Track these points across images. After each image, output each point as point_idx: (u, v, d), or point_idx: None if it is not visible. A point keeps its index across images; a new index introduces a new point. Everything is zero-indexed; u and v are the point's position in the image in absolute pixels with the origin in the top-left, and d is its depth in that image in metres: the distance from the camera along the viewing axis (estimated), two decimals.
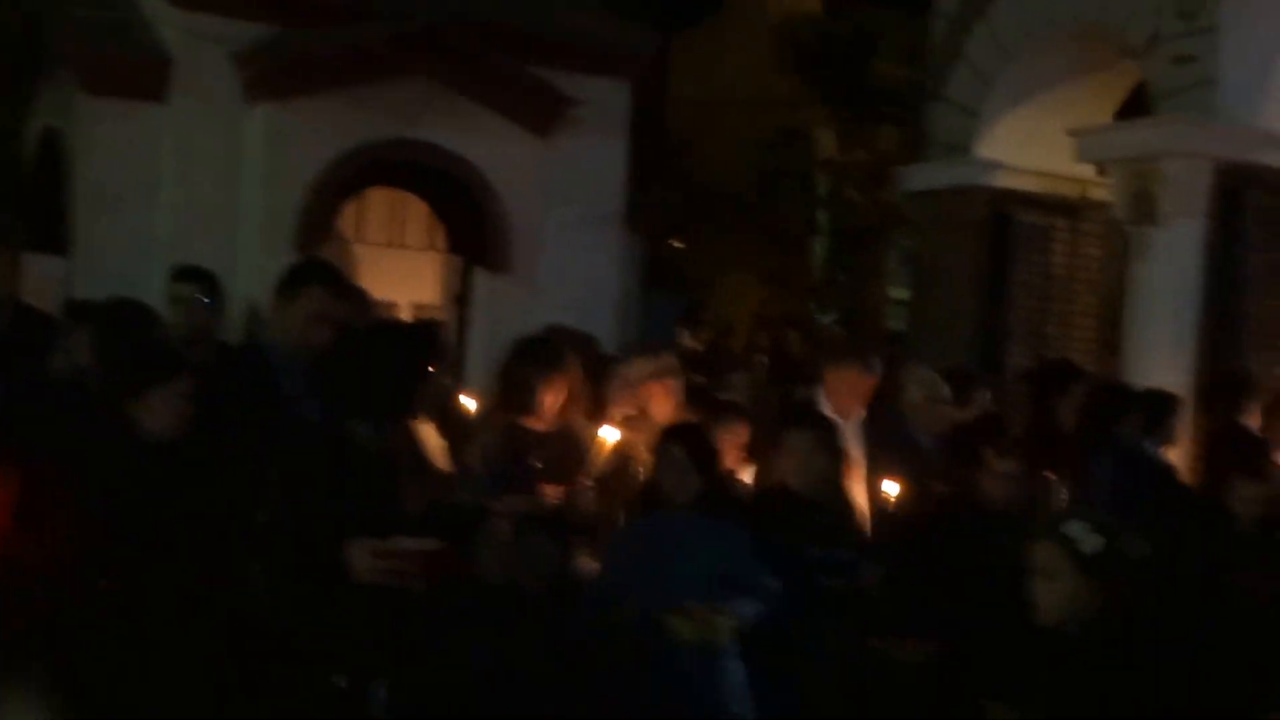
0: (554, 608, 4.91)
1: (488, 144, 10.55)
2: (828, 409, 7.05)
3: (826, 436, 5.94)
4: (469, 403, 7.01)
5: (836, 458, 6.11)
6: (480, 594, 4.72)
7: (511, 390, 6.33)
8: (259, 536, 4.22)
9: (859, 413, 7.14)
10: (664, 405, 6.75)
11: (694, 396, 7.11)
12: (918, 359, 9.39)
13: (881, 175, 15.15)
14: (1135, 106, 11.32)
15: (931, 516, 6.46)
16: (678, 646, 4.75)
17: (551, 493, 5.87)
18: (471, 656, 4.55)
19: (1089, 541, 3.27)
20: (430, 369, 5.02)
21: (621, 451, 6.24)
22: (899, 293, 15.99)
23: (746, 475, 6.65)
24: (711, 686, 4.89)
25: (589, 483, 6.00)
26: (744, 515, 5.61)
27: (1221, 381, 8.99)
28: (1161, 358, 9.98)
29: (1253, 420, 8.02)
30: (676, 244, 17.91)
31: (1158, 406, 7.93)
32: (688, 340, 11.40)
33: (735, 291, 20.57)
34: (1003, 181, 11.74)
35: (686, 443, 5.31)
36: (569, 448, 6.27)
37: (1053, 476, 6.86)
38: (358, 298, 6.58)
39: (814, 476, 5.81)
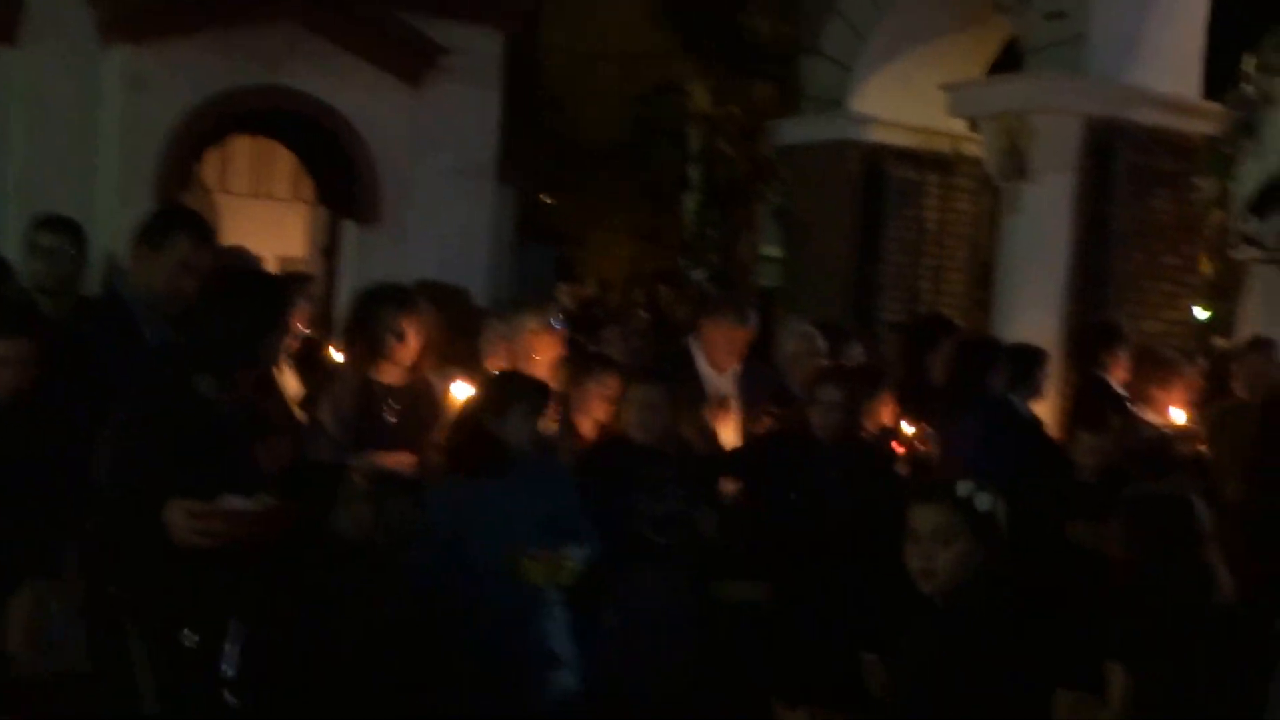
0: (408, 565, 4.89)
1: (357, 92, 10.29)
2: (703, 362, 6.99)
3: (668, 390, 5.83)
4: (338, 357, 6.83)
5: (678, 411, 5.99)
6: (336, 553, 4.60)
7: (361, 341, 6.11)
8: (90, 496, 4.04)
9: (735, 366, 7.07)
10: (547, 358, 6.67)
11: (568, 350, 7.01)
12: (791, 313, 9.40)
13: (755, 130, 15.08)
14: (1007, 62, 11.39)
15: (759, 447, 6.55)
16: (525, 588, 4.82)
17: (406, 456, 5.71)
18: (325, 615, 4.46)
19: (982, 500, 3.18)
20: (283, 322, 4.78)
21: None
22: (770, 250, 15.98)
23: None
24: (543, 628, 4.96)
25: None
26: (579, 465, 5.62)
27: (1087, 335, 9.07)
28: (1031, 312, 10.08)
29: (1119, 374, 8.09)
30: (546, 199, 17.70)
31: (1025, 360, 7.95)
32: (565, 295, 11.26)
33: (606, 247, 20.46)
34: (876, 136, 11.76)
35: (530, 393, 5.21)
36: (423, 401, 6.09)
37: (924, 428, 6.92)
38: (232, 251, 6.37)
39: (655, 429, 5.71)
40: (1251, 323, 7.79)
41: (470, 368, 6.41)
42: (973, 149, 11.62)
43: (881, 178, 11.77)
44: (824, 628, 5.75)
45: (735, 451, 6.54)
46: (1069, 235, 10.21)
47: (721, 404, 6.80)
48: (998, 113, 10.40)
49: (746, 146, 15.46)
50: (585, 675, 5.09)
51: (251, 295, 4.53)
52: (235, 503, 3.88)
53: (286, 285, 5.29)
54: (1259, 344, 7.38)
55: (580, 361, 6.82)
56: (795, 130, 12.32)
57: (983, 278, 11.84)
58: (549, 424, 5.89)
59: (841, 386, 6.47)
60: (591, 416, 6.31)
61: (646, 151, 19.28)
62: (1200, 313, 10.81)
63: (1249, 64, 7.87)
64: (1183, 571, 4.09)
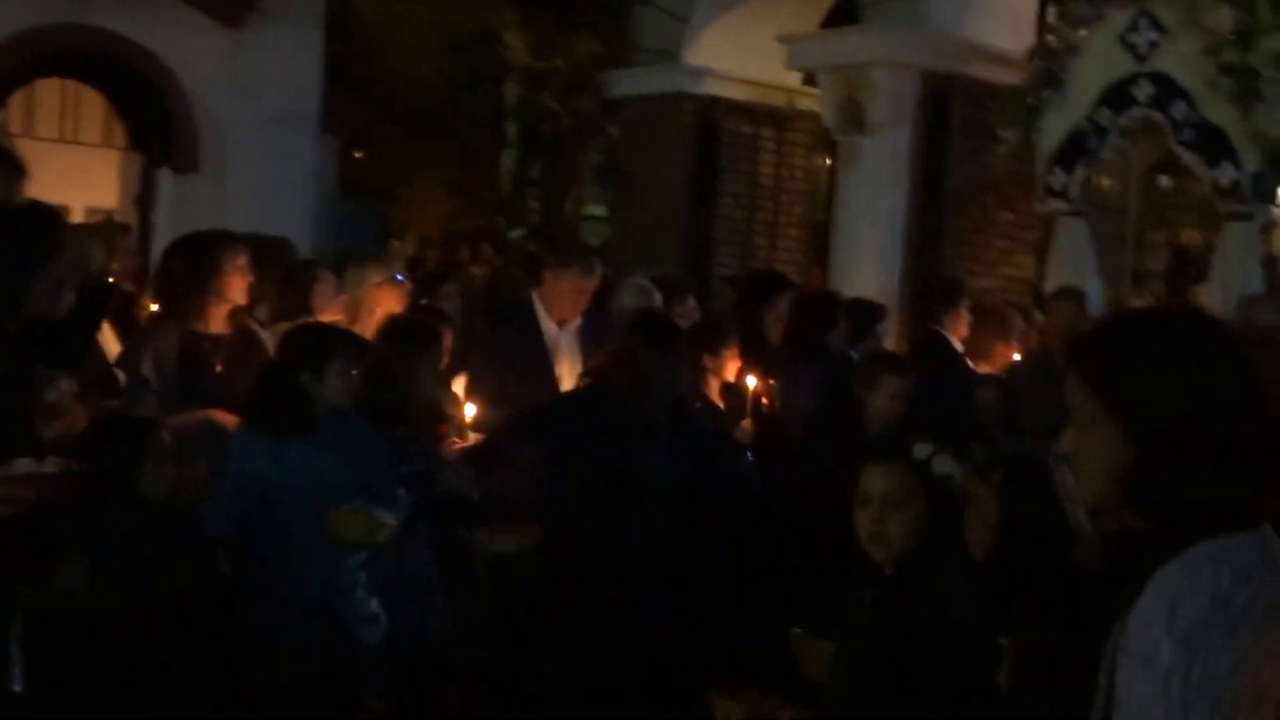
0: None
1: (171, 33, 9.75)
2: (544, 316, 6.70)
3: (426, 350, 5.47)
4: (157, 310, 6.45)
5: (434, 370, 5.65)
6: (140, 510, 4.33)
7: (181, 292, 5.79)
8: None
9: (576, 320, 6.80)
10: (390, 309, 6.51)
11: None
12: (620, 269, 9.21)
13: (579, 84, 14.82)
14: (842, 15, 11.31)
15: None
16: (339, 546, 4.63)
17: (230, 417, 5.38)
18: (128, 577, 4.22)
19: (940, 464, 2.98)
20: (53, 266, 4.36)
21: None
22: (593, 209, 15.77)
23: (457, 384, 6.39)
24: (354, 587, 4.78)
25: None
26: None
27: (927, 291, 9.08)
28: (869, 267, 10.05)
29: (959, 330, 8.08)
30: (356, 153, 17.15)
31: (863, 315, 7.91)
32: (396, 249, 10.89)
33: (421, 204, 20.00)
34: (710, 89, 11.59)
35: (347, 348, 4.93)
36: (249, 352, 5.77)
37: (767, 383, 6.79)
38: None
39: (419, 391, 5.39)
40: (1058, 275, 7.77)
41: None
42: (807, 103, 11.54)
43: (715, 131, 11.62)
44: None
45: (537, 410, 6.22)
46: (906, 191, 10.19)
47: None
48: (836, 66, 10.32)
49: (571, 101, 15.17)
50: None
51: (8, 237, 4.15)
52: (22, 466, 3.60)
53: (54, 224, 4.79)
54: (1066, 294, 7.40)
55: (415, 314, 6.64)
56: (628, 82, 12.09)
57: (817, 233, 11.81)
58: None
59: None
60: None
61: (461, 105, 18.87)
62: None
63: (1052, 14, 7.88)
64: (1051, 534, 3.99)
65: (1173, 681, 1.85)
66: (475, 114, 19.20)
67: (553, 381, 6.43)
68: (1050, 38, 8.19)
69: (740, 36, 11.38)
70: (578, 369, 6.44)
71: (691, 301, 8.15)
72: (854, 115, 10.19)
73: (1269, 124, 6.78)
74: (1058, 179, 8.06)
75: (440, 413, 5.75)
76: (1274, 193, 7.31)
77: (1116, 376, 1.98)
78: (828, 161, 11.49)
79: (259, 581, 4.66)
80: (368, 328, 6.50)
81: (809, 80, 11.45)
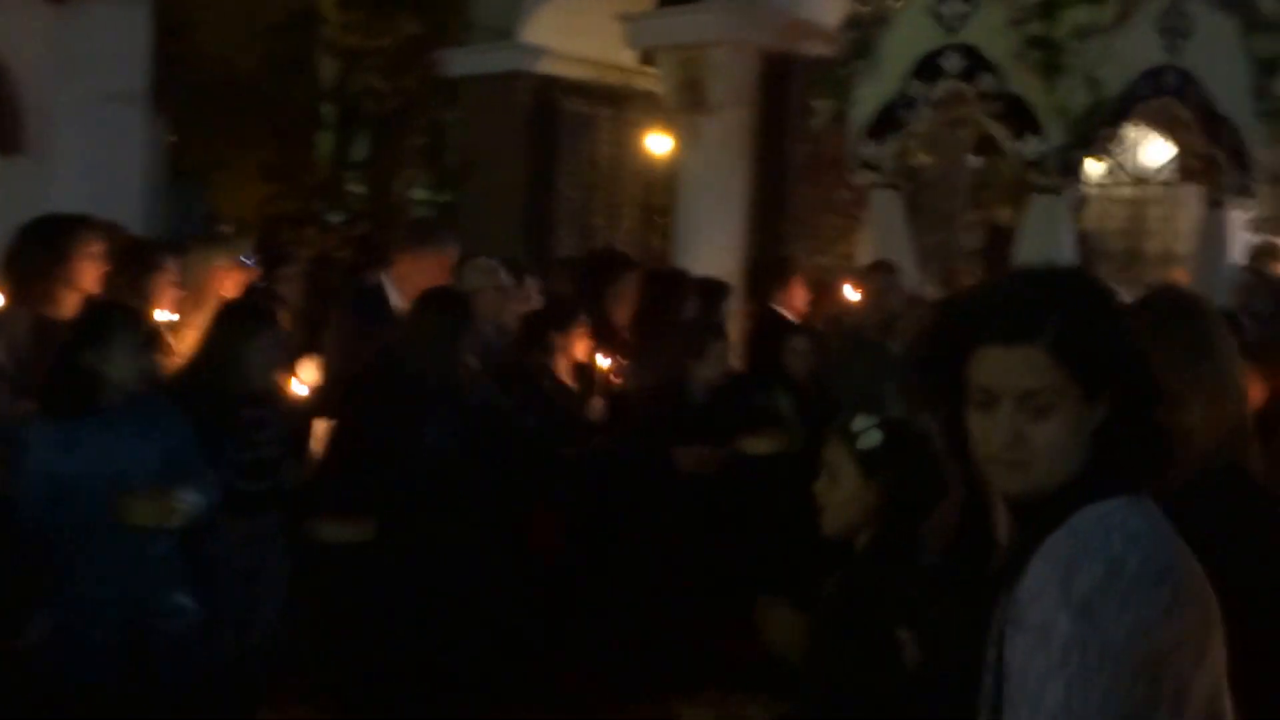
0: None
1: None
2: (397, 297, 6.61)
3: (275, 333, 5.34)
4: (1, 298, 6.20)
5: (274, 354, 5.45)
6: None
7: (25, 280, 5.62)
8: None
9: None
10: (229, 293, 6.37)
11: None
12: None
13: (405, 62, 14.56)
14: None
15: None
16: (132, 530, 4.43)
17: None
18: None
19: (869, 438, 2.99)
20: None
21: None
22: (422, 191, 15.52)
23: (303, 367, 6.23)
24: (153, 575, 4.58)
25: None
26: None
27: (759, 269, 9.18)
28: (712, 245, 10.13)
29: (795, 306, 8.19)
30: (171, 136, 16.60)
31: (710, 294, 7.99)
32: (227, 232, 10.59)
33: (236, 188, 19.47)
34: (548, 68, 11.55)
35: (135, 325, 4.79)
36: None
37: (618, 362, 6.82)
38: None
39: (256, 372, 5.22)
40: (871, 247, 7.90)
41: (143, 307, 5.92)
42: (644, 83, 11.57)
43: (553, 111, 11.58)
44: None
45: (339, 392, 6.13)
46: (746, 169, 10.29)
47: None
48: (675, 45, 10.36)
49: (397, 80, 14.89)
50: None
51: None
52: None
53: None
54: (878, 267, 7.49)
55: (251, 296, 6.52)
56: (465, 61, 11.96)
57: (656, 212, 11.86)
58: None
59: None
60: None
61: (279, 85, 18.39)
62: None
63: None
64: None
65: (1072, 652, 1.81)
66: (292, 95, 18.74)
67: None
68: (862, 8, 8.03)
69: (577, 15, 11.36)
70: None
71: (532, 282, 8.13)
72: (694, 94, 10.26)
73: (1072, 97, 6.85)
74: (870, 151, 8.03)
75: (284, 397, 5.61)
76: (1079, 167, 7.39)
77: (1087, 340, 1.95)
78: (666, 141, 11.51)
79: (56, 574, 4.45)
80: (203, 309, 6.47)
81: (645, 59, 11.48)
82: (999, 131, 7.45)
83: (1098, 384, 1.96)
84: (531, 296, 7.75)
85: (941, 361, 2.06)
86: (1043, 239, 7.14)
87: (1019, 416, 1.96)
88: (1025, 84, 7.11)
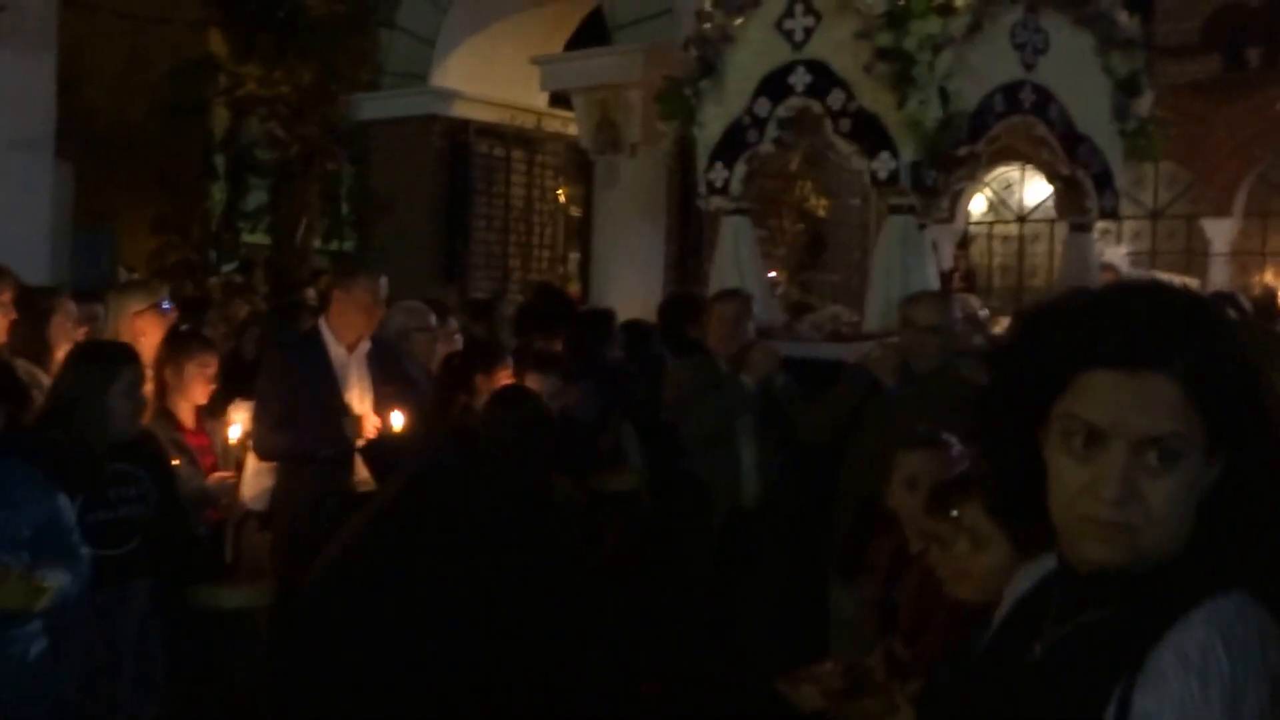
0: None
1: None
2: (332, 341, 6.53)
3: (127, 374, 4.81)
4: None
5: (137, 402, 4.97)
6: None
7: None
8: None
9: (366, 343, 6.62)
10: (154, 338, 6.21)
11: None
12: None
13: (305, 110, 14.50)
14: (588, 35, 11.45)
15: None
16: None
17: None
18: None
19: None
20: None
21: None
22: (327, 237, 15.45)
23: (236, 410, 6.10)
24: (17, 661, 4.04)
25: None
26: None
27: (668, 306, 9.17)
28: (630, 284, 10.16)
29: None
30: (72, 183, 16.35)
31: (637, 332, 8.02)
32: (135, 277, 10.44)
33: (128, 235, 19.18)
34: (460, 111, 11.54)
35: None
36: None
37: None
38: None
39: (118, 420, 4.73)
40: (721, 275, 7.29)
41: (39, 358, 5.96)
42: (555, 125, 11.61)
43: (466, 154, 11.57)
44: None
45: None
46: (663, 209, 10.36)
47: None
48: (590, 87, 10.42)
49: (296, 129, 14.82)
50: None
51: None
52: None
53: None
54: (729, 296, 7.10)
55: (178, 340, 6.29)
56: (375, 106, 11.91)
57: (567, 253, 11.90)
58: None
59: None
60: (191, 401, 5.87)
61: (169, 135, 18.23)
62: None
63: (706, 1, 7.35)
64: None
65: None
66: (184, 145, 18.57)
67: (341, 409, 6.26)
68: (705, 25, 7.24)
69: (488, 59, 11.38)
70: (368, 394, 6.29)
71: (454, 323, 8.10)
72: (610, 135, 10.32)
73: (925, 111, 6.28)
74: (718, 175, 7.29)
75: (156, 445, 5.11)
76: (935, 184, 6.68)
77: (1223, 376, 1.55)
78: (578, 182, 11.57)
79: None
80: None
81: (556, 101, 11.53)
82: (850, 149, 6.76)
83: (1225, 434, 1.56)
84: (454, 337, 7.71)
85: (1027, 387, 1.63)
86: (894, 260, 6.62)
87: (1134, 466, 1.54)
88: (875, 99, 6.49)
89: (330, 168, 14.88)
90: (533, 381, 6.77)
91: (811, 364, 6.50)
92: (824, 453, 5.81)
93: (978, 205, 23.45)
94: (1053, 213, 22.65)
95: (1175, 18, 26.79)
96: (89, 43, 16.59)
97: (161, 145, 18.63)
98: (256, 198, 19.82)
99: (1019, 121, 6.86)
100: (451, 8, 11.45)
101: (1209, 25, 26.81)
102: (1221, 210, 20.99)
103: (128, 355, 4.88)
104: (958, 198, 23.68)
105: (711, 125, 7.31)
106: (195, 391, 5.89)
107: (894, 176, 6.52)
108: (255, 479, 6.08)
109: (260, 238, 20.68)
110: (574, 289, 11.25)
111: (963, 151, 6.61)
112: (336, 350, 6.39)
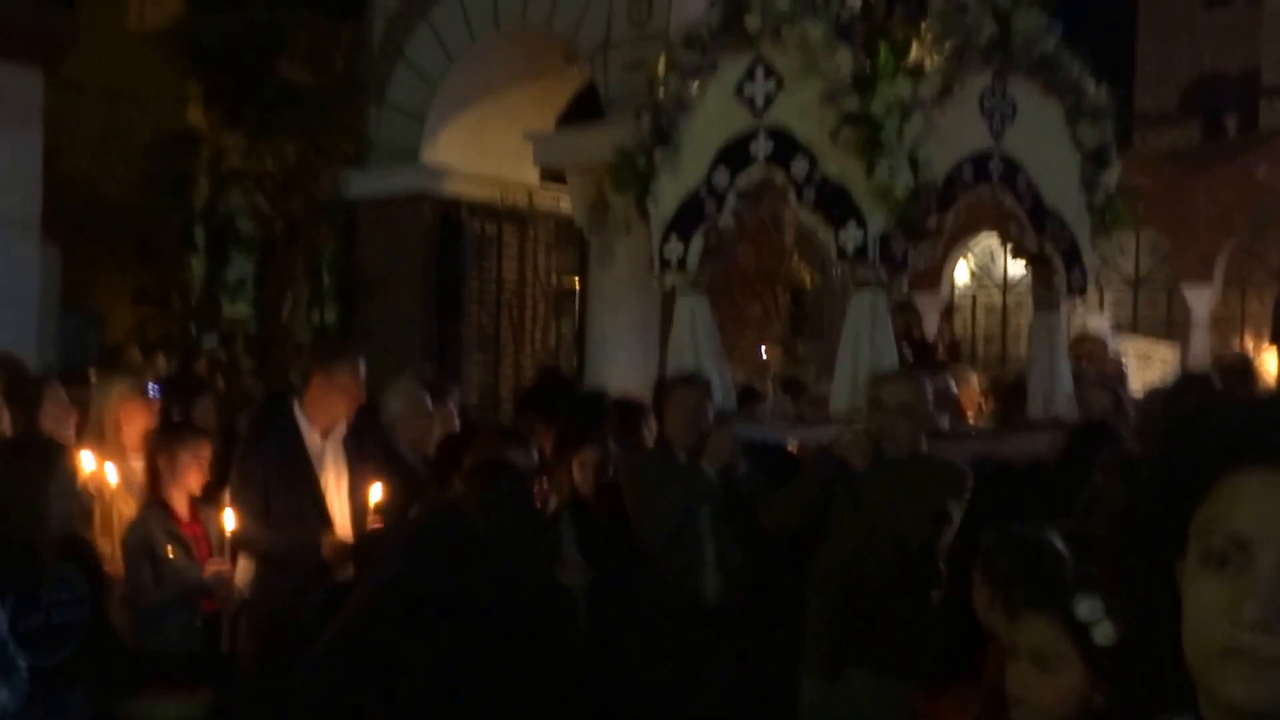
0: None
1: None
2: (306, 426, 6.36)
3: (60, 471, 4.58)
4: None
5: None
6: None
7: None
8: None
9: (342, 427, 6.44)
10: (139, 425, 6.16)
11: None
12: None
13: (290, 184, 14.38)
14: (580, 112, 11.39)
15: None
16: None
17: None
18: None
19: (1105, 631, 2.36)
20: None
21: None
22: (317, 312, 15.27)
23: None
24: None
25: None
26: None
27: (660, 386, 9.09)
28: (624, 361, 10.06)
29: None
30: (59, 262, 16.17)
31: (630, 412, 7.92)
32: (137, 357, 10.28)
33: (107, 309, 18.99)
34: (451, 188, 11.46)
35: None
36: None
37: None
38: None
39: (52, 519, 4.46)
40: (678, 356, 6.88)
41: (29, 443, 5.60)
42: (546, 201, 11.53)
43: (458, 231, 11.47)
44: None
45: None
46: (657, 287, 10.26)
47: None
48: (583, 163, 10.34)
49: (281, 203, 14.69)
50: None
51: None
52: None
53: None
54: (687, 382, 6.56)
55: (169, 429, 6.22)
56: (365, 182, 11.81)
57: (560, 330, 11.80)
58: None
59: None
60: (185, 490, 5.75)
61: (151, 208, 18.08)
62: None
63: (660, 66, 6.90)
64: None
65: None
66: (165, 218, 18.42)
67: (318, 495, 6.10)
68: (660, 91, 6.83)
69: (479, 135, 11.31)
70: (344, 480, 6.13)
71: (453, 405, 7.98)
72: (604, 212, 10.23)
73: (893, 180, 5.86)
74: (674, 250, 6.85)
75: (83, 546, 4.84)
76: (904, 257, 6.24)
77: None
78: (570, 258, 11.49)
79: None
80: (118, 446, 6.20)
81: (547, 177, 11.46)
82: (815, 221, 6.32)
83: None
84: (453, 417, 7.57)
85: (1166, 501, 1.38)
86: (862, 338, 6.19)
87: None
88: (842, 167, 6.07)
89: (318, 243, 14.75)
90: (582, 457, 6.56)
91: (774, 450, 6.19)
92: (790, 544, 5.49)
93: (961, 275, 23.55)
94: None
95: (1154, 87, 27.17)
96: (66, 113, 16.46)
97: (141, 216, 18.46)
98: (238, 269, 19.66)
99: (987, 193, 6.54)
100: (442, 83, 11.39)
101: (1188, 94, 27.19)
102: (1202, 277, 21.10)
103: (62, 452, 4.72)
104: (942, 268, 23.88)
105: (667, 197, 6.90)
106: (189, 480, 5.77)
107: (862, 249, 6.11)
108: (250, 569, 5.98)
109: (242, 309, 20.49)
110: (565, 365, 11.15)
111: (931, 223, 6.26)
112: (311, 436, 6.24)
